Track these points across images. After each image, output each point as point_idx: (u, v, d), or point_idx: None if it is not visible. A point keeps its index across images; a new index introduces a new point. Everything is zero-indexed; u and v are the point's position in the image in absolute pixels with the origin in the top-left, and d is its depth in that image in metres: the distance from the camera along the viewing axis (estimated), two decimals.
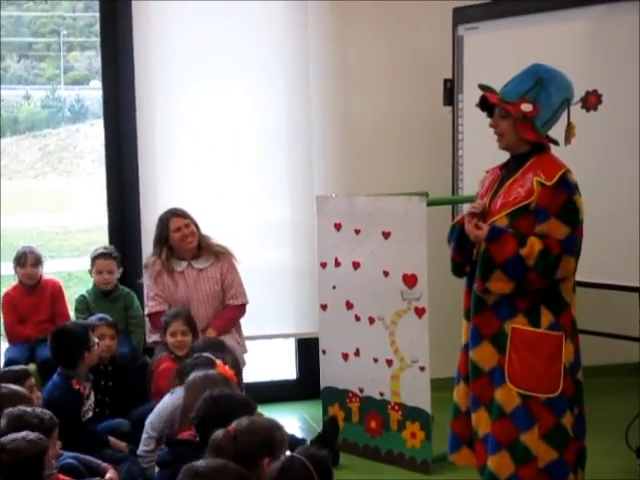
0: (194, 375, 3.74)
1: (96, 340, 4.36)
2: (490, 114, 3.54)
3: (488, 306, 3.45)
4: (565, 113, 3.49)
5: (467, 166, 5.06)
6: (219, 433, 2.90)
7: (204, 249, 4.96)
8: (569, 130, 3.51)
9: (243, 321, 5.05)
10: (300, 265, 5.49)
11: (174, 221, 4.88)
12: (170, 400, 4.09)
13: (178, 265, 4.92)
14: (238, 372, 4.22)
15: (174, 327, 4.59)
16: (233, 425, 2.92)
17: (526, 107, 3.37)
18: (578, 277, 3.51)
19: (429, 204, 4.37)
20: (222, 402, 3.25)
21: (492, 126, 3.51)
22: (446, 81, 5.13)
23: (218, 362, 3.87)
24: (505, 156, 3.58)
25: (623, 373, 5.89)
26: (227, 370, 3.78)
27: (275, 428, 2.98)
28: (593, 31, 4.57)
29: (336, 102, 5.50)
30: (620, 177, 4.45)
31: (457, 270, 3.61)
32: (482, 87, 3.51)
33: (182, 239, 4.88)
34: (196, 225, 4.95)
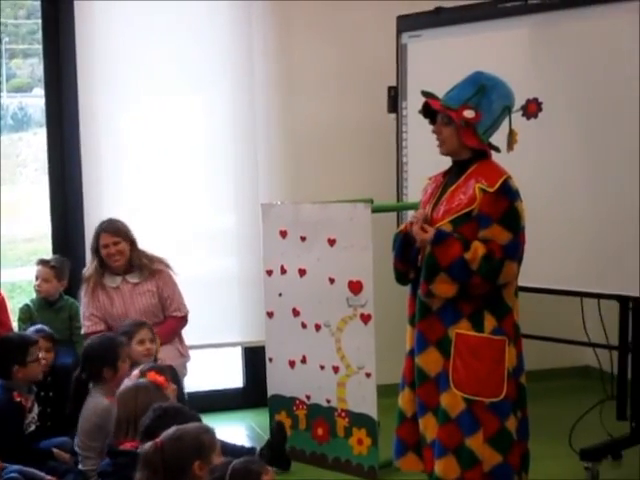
0: (124, 385, 3.70)
1: (40, 355, 4.29)
2: (433, 121, 3.56)
3: (433, 312, 3.47)
4: (507, 120, 3.52)
5: (411, 173, 5.09)
6: (146, 446, 2.89)
7: (136, 267, 4.88)
8: (511, 137, 3.54)
9: (189, 330, 5.01)
10: (246, 273, 5.47)
11: (103, 237, 4.82)
12: (85, 417, 4.05)
13: (112, 281, 4.85)
14: (177, 381, 4.19)
15: (142, 335, 4.45)
16: (161, 436, 2.91)
17: (468, 113, 3.41)
18: (521, 282, 3.55)
19: (374, 211, 4.38)
20: (171, 413, 3.23)
21: (435, 132, 3.53)
22: (390, 88, 5.15)
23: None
24: (449, 163, 3.60)
25: (567, 377, 5.98)
26: (158, 377, 3.73)
27: (203, 431, 2.97)
28: (534, 40, 4.63)
29: (281, 108, 5.51)
30: (560, 183, 4.51)
31: (400, 278, 3.63)
32: (425, 94, 3.54)
33: (108, 256, 4.81)
34: (132, 241, 4.87)
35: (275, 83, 5.49)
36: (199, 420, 3.29)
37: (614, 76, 4.29)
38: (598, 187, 4.39)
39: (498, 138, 3.55)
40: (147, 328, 4.51)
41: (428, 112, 3.57)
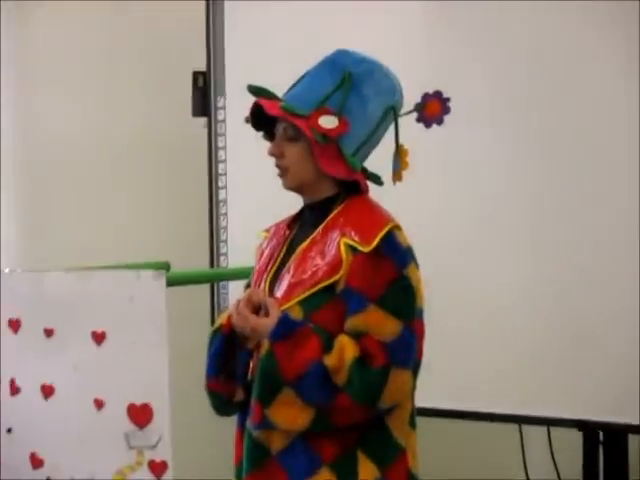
0: None
1: None
2: (270, 134, 3.49)
3: (272, 456, 3.38)
4: (392, 130, 3.48)
5: (234, 221, 5.13)
6: None
7: None
8: (399, 158, 3.50)
9: None
10: None
11: None
12: None
13: None
14: None
15: None
16: None
17: (327, 121, 3.34)
18: (420, 402, 3.48)
19: (171, 282, 4.27)
20: None
21: (272, 154, 3.44)
22: (196, 74, 5.14)
23: None
24: (299, 203, 3.54)
25: None
26: None
27: None
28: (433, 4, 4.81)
29: (14, 113, 5.58)
30: (484, 231, 4.70)
31: (220, 406, 3.55)
32: (253, 90, 3.45)
33: None
34: None
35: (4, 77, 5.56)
36: None
37: (563, 60, 4.55)
38: (548, 238, 4.58)
39: (379, 158, 3.48)
40: None
41: (262, 120, 3.49)
